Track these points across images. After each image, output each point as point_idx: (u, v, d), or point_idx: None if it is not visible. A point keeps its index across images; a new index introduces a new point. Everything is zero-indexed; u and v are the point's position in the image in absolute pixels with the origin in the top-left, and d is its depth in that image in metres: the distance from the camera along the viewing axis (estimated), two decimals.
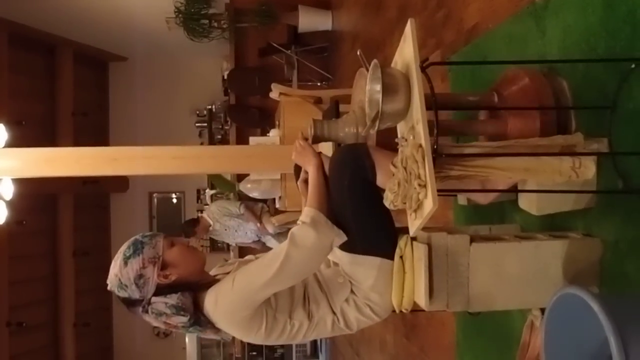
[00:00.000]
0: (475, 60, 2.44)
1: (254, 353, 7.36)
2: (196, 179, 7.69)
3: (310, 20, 6.41)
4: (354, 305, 1.74)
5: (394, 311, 1.76)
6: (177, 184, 8.33)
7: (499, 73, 1.84)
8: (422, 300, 1.61)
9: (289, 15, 6.41)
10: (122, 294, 1.71)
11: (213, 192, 6.61)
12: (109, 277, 1.73)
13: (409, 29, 1.49)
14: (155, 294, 1.70)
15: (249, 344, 6.95)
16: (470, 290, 1.60)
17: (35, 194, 6.23)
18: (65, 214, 7.18)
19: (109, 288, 1.74)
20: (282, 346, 7.40)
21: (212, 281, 1.76)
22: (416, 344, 3.37)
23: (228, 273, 1.77)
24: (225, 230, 5.70)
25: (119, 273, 1.70)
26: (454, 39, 2.71)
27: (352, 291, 1.75)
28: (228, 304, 1.68)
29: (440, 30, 2.89)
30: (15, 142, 3.21)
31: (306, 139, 1.81)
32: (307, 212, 1.68)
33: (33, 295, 6.80)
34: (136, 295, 1.70)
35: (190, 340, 7.69)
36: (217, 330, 1.74)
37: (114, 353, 8.28)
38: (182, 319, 1.69)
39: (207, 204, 7.03)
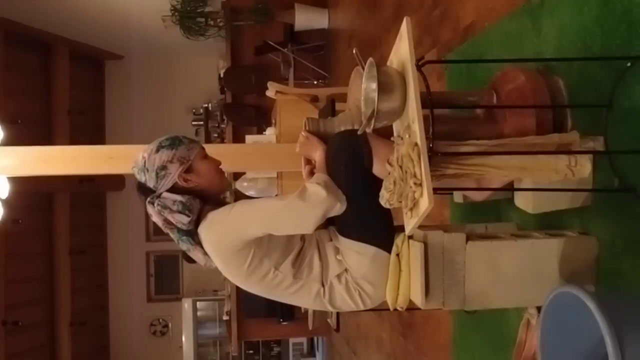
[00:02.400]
0: (472, 59, 2.44)
1: (251, 351, 7.37)
2: None
3: (306, 19, 6.40)
4: (344, 283, 1.75)
5: (388, 309, 1.76)
6: None
7: (495, 72, 1.84)
8: (418, 299, 1.61)
9: (285, 13, 6.40)
10: (140, 177, 1.77)
11: None
12: (137, 157, 1.78)
13: (404, 28, 1.49)
14: (168, 191, 1.75)
15: (245, 342, 6.95)
16: (466, 289, 1.60)
17: (31, 193, 6.21)
18: (62, 213, 7.16)
19: (131, 167, 1.80)
20: (278, 344, 7.41)
21: (221, 202, 1.83)
22: (412, 342, 3.38)
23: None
24: None
25: (147, 156, 1.75)
26: (450, 38, 2.71)
27: (346, 270, 1.75)
28: (220, 229, 1.72)
29: (437, 29, 2.89)
30: (11, 140, 3.20)
31: (309, 131, 1.84)
32: (321, 177, 1.71)
33: (29, 294, 6.78)
34: (151, 183, 1.76)
35: (187, 339, 7.69)
36: (205, 253, 1.76)
37: (110, 352, 8.26)
38: (184, 219, 1.71)
39: None
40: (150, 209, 1.76)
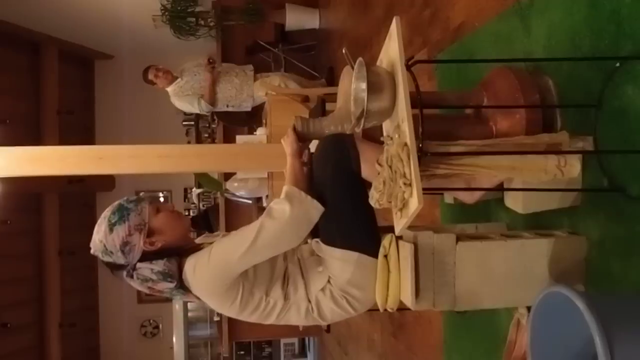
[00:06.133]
0: (462, 59, 2.45)
1: (242, 352, 7.34)
2: (183, 178, 7.64)
3: (297, 19, 6.39)
4: (329, 295, 1.74)
5: (378, 310, 1.75)
6: (164, 182, 8.29)
7: (485, 71, 1.84)
8: (408, 300, 1.60)
9: (276, 13, 6.38)
10: (107, 259, 1.72)
11: (200, 190, 6.57)
12: (93, 241, 1.72)
13: (394, 27, 1.48)
14: (141, 260, 1.71)
15: (236, 343, 6.93)
16: (457, 289, 1.60)
17: (19, 193, 6.17)
18: (51, 213, 7.12)
19: (92, 252, 1.73)
20: (270, 345, 7.39)
21: (196, 247, 1.77)
22: (404, 342, 3.38)
23: (212, 243, 1.78)
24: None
25: (104, 239, 1.69)
26: (440, 38, 2.71)
27: (329, 281, 1.74)
28: (205, 275, 1.69)
29: (427, 29, 2.89)
30: None
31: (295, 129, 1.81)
32: (283, 190, 1.70)
33: (18, 295, 6.74)
34: (121, 261, 1.71)
35: (177, 340, 7.66)
36: (197, 296, 1.75)
37: (100, 353, 8.22)
38: (169, 285, 1.70)
39: (194, 203, 6.99)
40: (132, 282, 1.74)
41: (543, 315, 1.28)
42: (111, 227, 1.69)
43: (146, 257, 1.71)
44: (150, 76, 5.17)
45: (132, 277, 1.72)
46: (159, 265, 1.70)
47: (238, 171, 4.56)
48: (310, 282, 1.76)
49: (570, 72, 1.70)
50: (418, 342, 3.12)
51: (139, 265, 1.71)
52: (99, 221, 1.73)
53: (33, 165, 2.89)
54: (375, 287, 1.70)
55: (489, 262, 1.60)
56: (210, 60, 5.06)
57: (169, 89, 5.22)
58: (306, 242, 1.82)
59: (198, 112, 5.43)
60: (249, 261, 1.68)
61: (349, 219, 1.70)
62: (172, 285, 1.70)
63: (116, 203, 1.75)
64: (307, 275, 1.77)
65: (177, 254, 1.75)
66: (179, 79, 5.17)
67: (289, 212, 1.63)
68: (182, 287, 1.73)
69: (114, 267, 1.74)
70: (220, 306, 1.75)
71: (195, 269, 1.70)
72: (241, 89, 5.18)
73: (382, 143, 1.58)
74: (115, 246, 1.68)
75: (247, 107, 5.30)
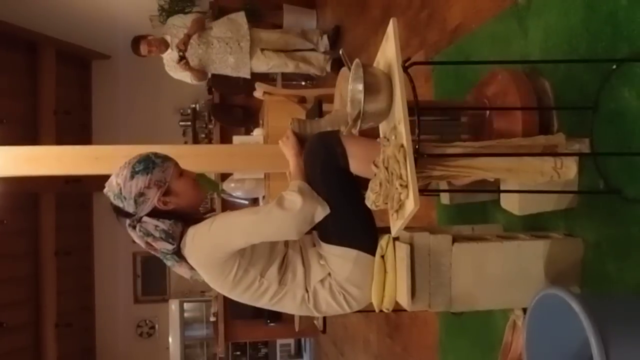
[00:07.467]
0: (458, 61, 2.45)
1: (238, 353, 7.34)
2: None
3: (294, 19, 6.38)
4: (328, 288, 1.74)
5: (374, 310, 1.75)
6: None
7: (482, 73, 1.84)
8: (404, 300, 1.60)
9: (274, 14, 6.37)
10: (117, 203, 1.73)
11: None
12: (109, 182, 1.74)
13: (391, 29, 1.48)
14: (149, 215, 1.72)
15: (232, 343, 6.93)
16: (453, 291, 1.60)
17: (16, 193, 6.15)
18: (47, 214, 7.09)
19: (104, 191, 1.74)
20: (266, 345, 7.39)
21: (201, 219, 1.78)
22: (400, 343, 3.38)
23: None
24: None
25: (122, 183, 1.70)
26: (437, 39, 2.71)
27: (329, 274, 1.75)
28: (204, 244, 1.70)
29: (424, 30, 2.89)
30: None
31: (293, 131, 1.85)
32: (294, 183, 1.71)
33: (14, 295, 6.71)
34: (130, 209, 1.72)
35: (173, 340, 7.65)
36: (191, 267, 1.76)
37: (96, 354, 8.19)
38: (168, 246, 1.71)
39: None
40: (132, 233, 1.74)
41: (539, 316, 1.29)
42: (133, 174, 1.70)
43: (154, 213, 1.72)
44: (144, 52, 5.14)
45: (134, 228, 1.73)
46: (165, 224, 1.71)
47: (235, 172, 4.56)
48: (311, 271, 1.76)
49: (567, 74, 1.71)
50: (414, 343, 3.12)
51: (145, 218, 1.72)
52: (122, 165, 1.74)
53: (30, 165, 2.89)
54: (372, 287, 1.70)
55: (485, 263, 1.60)
56: (181, 55, 4.94)
57: (163, 56, 5.17)
58: (310, 233, 1.82)
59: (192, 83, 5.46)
60: (246, 239, 1.69)
61: (344, 216, 1.71)
62: (170, 247, 1.71)
63: (144, 154, 1.76)
64: (308, 264, 1.77)
65: (183, 220, 1.76)
66: (169, 50, 5.09)
67: (300, 205, 1.64)
68: (178, 253, 1.74)
69: (120, 213, 1.75)
70: (214, 279, 1.76)
71: (194, 237, 1.71)
72: (237, 67, 5.19)
73: (372, 137, 1.58)
74: (130, 193, 1.69)
75: (245, 75, 5.32)
